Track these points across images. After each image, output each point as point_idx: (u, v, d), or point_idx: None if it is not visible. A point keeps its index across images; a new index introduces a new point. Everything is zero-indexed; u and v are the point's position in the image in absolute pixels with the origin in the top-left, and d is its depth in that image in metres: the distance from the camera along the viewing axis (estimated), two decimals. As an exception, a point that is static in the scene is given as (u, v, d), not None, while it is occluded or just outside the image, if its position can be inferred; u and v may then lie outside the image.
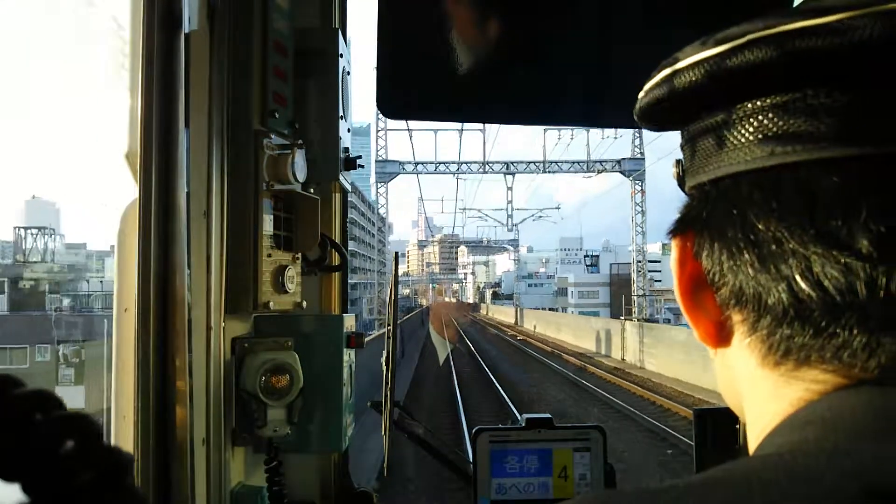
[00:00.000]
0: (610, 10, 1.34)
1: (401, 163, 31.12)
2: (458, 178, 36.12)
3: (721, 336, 0.48)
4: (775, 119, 0.42)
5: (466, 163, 31.03)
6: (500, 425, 1.58)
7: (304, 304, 1.44)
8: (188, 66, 1.05)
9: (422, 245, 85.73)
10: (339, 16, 1.60)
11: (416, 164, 30.86)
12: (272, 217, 1.31)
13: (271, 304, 1.30)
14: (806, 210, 0.40)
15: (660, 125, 0.53)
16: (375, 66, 1.30)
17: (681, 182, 0.52)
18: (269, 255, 1.30)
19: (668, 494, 0.37)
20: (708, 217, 0.46)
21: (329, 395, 1.39)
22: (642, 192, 29.76)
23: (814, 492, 0.34)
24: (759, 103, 0.42)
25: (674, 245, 0.50)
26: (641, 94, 0.51)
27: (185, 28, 1.04)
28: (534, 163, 31.51)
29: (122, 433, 1.04)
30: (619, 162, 30.39)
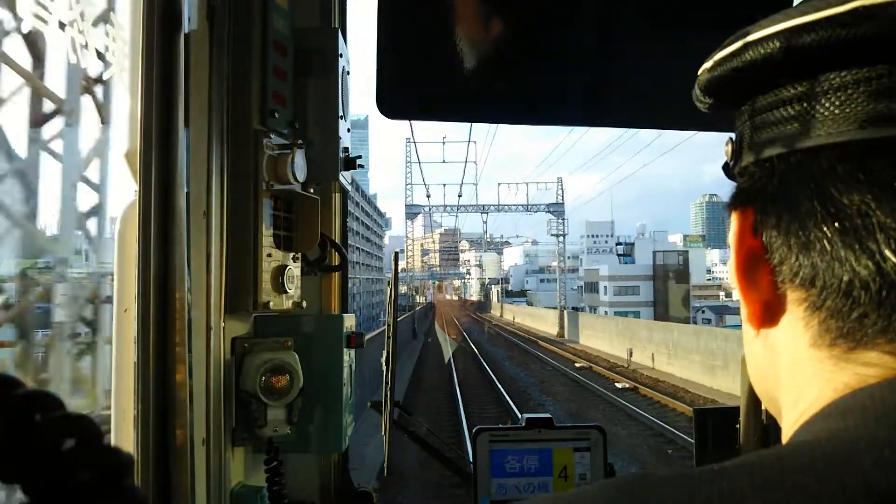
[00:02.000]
0: (610, 9, 1.34)
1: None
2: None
3: (767, 316, 0.47)
4: (867, 93, 0.40)
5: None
6: (501, 425, 1.58)
7: (304, 303, 1.44)
8: (188, 66, 1.05)
9: (410, 213, 53.10)
10: (339, 16, 1.59)
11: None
12: (272, 217, 1.31)
13: (271, 303, 1.29)
14: None
15: (724, 98, 0.50)
16: (375, 65, 1.30)
17: (736, 160, 0.50)
18: (269, 255, 1.30)
19: (702, 477, 0.37)
20: (776, 191, 0.45)
21: (329, 395, 1.39)
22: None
23: (848, 480, 0.34)
24: (850, 76, 0.41)
25: (733, 219, 0.49)
26: (710, 66, 0.49)
27: (185, 28, 1.04)
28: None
29: (122, 433, 1.05)
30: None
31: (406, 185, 54.84)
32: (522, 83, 1.36)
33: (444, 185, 52.66)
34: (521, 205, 48.90)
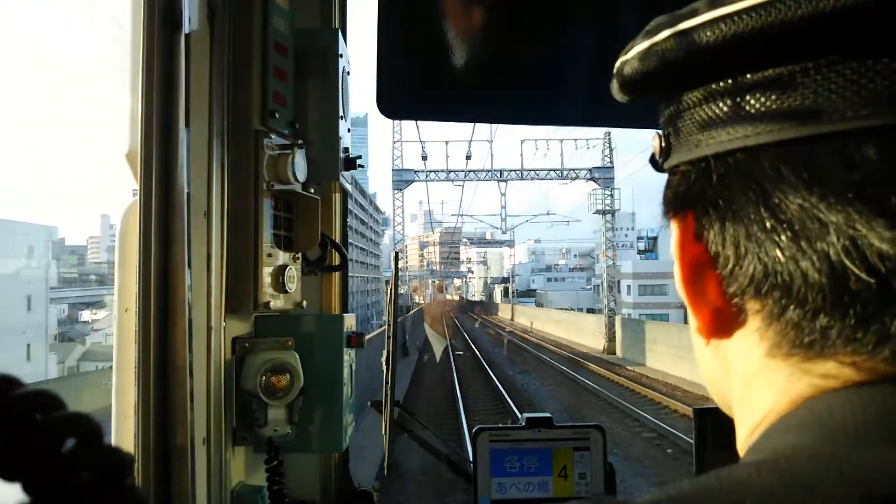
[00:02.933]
0: (609, 9, 1.34)
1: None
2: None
3: (718, 325, 0.45)
4: (808, 86, 0.37)
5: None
6: (501, 424, 1.59)
7: (305, 303, 1.44)
8: (188, 67, 1.05)
9: (400, 182, 32.96)
10: (339, 16, 1.60)
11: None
12: (272, 217, 1.31)
13: (271, 303, 1.30)
14: (849, 182, 0.36)
15: (647, 94, 0.47)
16: (375, 65, 1.30)
17: (666, 157, 0.47)
18: (270, 255, 1.30)
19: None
20: (716, 194, 0.42)
21: (329, 394, 1.39)
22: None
23: (811, 502, 0.32)
24: (787, 68, 0.38)
25: (673, 226, 0.46)
26: (628, 58, 0.46)
27: (185, 28, 1.04)
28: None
29: (123, 433, 1.05)
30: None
31: (394, 143, 37.99)
32: (522, 83, 1.36)
33: (447, 142, 33.42)
34: (555, 170, 33.04)
